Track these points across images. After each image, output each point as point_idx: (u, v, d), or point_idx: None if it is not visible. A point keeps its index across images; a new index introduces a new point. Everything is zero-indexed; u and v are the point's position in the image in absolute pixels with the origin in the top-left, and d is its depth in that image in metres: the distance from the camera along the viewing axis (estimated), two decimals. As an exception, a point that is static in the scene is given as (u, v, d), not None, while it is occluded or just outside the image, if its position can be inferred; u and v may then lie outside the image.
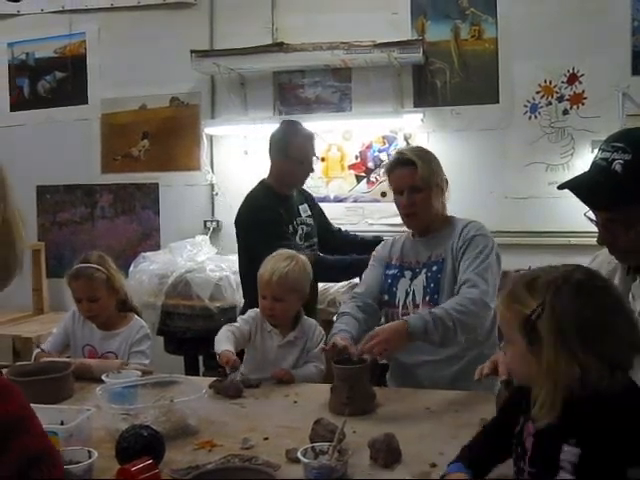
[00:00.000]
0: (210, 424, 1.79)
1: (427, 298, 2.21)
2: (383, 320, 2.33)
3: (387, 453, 1.48)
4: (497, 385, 1.72)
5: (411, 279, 2.27)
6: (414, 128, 3.90)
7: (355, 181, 4.10)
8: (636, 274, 1.59)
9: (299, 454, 1.44)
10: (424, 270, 2.26)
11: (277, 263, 2.30)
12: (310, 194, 3.37)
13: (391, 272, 2.33)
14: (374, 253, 2.47)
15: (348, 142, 4.08)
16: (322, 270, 2.80)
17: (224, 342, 2.20)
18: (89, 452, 1.49)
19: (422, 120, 3.80)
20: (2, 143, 4.70)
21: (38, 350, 2.56)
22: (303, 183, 3.18)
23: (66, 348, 2.68)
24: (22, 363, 2.29)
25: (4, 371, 2.14)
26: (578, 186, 1.54)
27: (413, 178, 2.23)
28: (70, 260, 4.49)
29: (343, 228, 3.47)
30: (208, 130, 4.20)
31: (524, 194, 3.67)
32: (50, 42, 4.61)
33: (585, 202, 1.51)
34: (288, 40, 3.95)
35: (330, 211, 4.10)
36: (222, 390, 2.05)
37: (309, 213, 3.17)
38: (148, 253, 3.98)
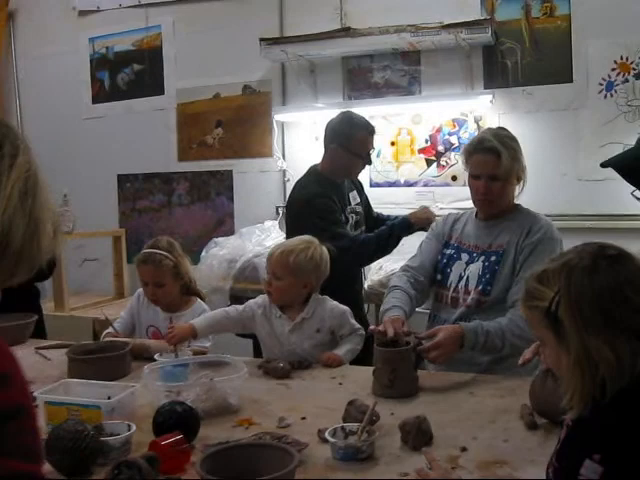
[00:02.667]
0: (253, 403, 1.82)
1: (480, 287, 2.15)
2: (432, 298, 2.30)
3: (417, 435, 1.46)
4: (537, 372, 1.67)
5: (467, 263, 2.22)
6: (484, 110, 3.81)
7: (425, 165, 4.05)
8: None
9: (327, 434, 1.45)
10: (482, 257, 2.20)
11: (290, 242, 2.31)
12: (359, 182, 3.33)
13: (448, 252, 2.29)
14: (432, 226, 2.44)
15: (418, 126, 4.03)
16: (359, 252, 2.81)
17: (200, 319, 2.30)
18: (128, 426, 1.55)
19: (491, 102, 3.70)
20: (85, 134, 4.93)
21: (108, 330, 2.66)
22: (357, 175, 3.15)
23: (134, 329, 2.79)
24: (85, 342, 2.38)
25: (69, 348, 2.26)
26: (620, 163, 1.47)
27: (494, 167, 2.15)
28: (149, 246, 4.70)
29: (378, 211, 3.45)
30: (278, 117, 4.24)
31: (599, 176, 3.52)
32: (128, 36, 4.76)
33: (625, 178, 1.44)
34: (357, 25, 3.93)
35: (400, 196, 4.09)
36: (270, 370, 2.08)
37: (358, 201, 3.15)
38: (220, 238, 4.06)
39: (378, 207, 3.70)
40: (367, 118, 4.00)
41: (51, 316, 4.17)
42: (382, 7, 3.94)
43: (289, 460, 1.24)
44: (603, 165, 1.51)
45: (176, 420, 1.52)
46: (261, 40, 4.01)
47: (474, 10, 3.77)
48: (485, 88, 3.82)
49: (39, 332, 2.94)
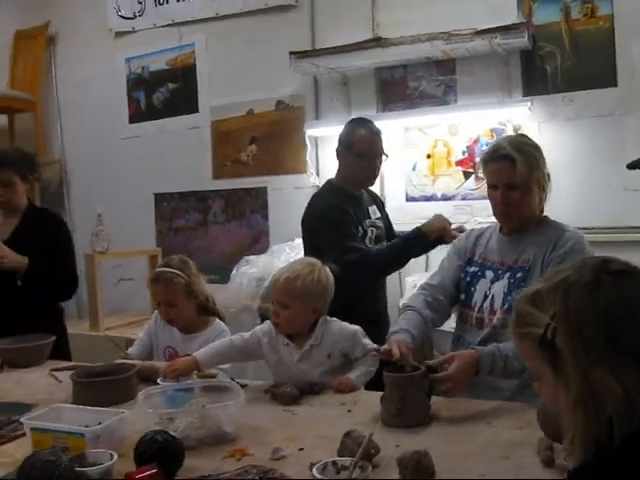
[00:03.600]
0: (252, 431, 1.71)
1: (506, 306, 1.99)
2: (457, 319, 2.15)
3: (415, 471, 1.32)
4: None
5: (492, 281, 2.07)
6: (523, 119, 3.63)
7: (463, 178, 3.89)
8: None
9: (315, 469, 1.32)
10: (507, 274, 2.04)
11: (293, 267, 2.16)
12: (379, 197, 3.23)
13: (471, 269, 2.14)
14: (455, 242, 2.29)
15: (454, 137, 3.88)
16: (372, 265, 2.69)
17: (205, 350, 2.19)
18: (111, 455, 1.45)
19: (530, 109, 3.52)
20: (123, 154, 4.95)
21: (122, 355, 2.60)
22: (371, 181, 3.00)
23: (152, 350, 2.72)
24: (93, 365, 2.31)
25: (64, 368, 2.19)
26: None
27: (510, 175, 2.01)
28: (186, 265, 4.65)
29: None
30: (311, 132, 4.15)
31: (647, 185, 3.31)
32: (162, 55, 4.76)
33: None
34: (390, 35, 3.82)
35: (437, 210, 3.92)
36: (277, 396, 1.96)
37: (378, 215, 3.02)
38: (251, 257, 3.99)
39: (415, 222, 3.55)
40: (402, 130, 3.95)
41: (87, 336, 4.18)
42: (414, 16, 3.82)
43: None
44: (630, 167, 1.36)
45: (156, 450, 1.41)
46: (291, 54, 3.94)
47: (510, 14, 3.61)
48: (524, 95, 3.65)
49: (62, 352, 2.90)
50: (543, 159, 2.06)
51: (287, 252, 3.75)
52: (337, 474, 1.33)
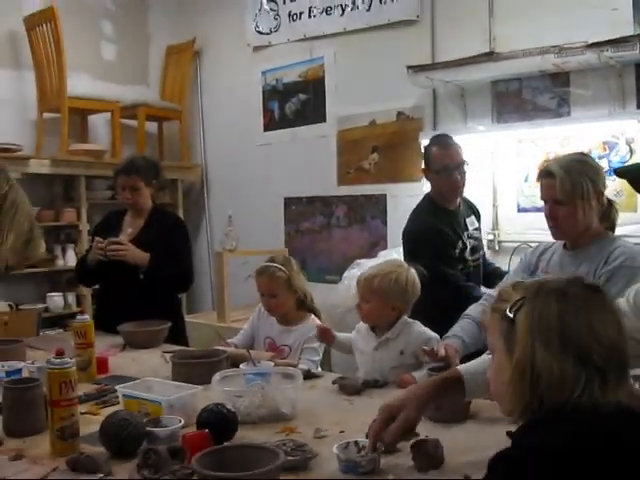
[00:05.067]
0: (309, 414, 1.93)
1: None
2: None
3: (424, 458, 1.48)
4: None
5: None
6: (636, 131, 3.58)
7: (576, 190, 3.87)
8: None
9: (335, 447, 1.52)
10: None
11: (377, 267, 2.37)
12: (476, 208, 3.31)
13: (534, 281, 2.24)
14: (522, 257, 2.39)
15: (566, 149, 3.87)
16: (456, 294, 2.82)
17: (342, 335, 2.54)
18: (180, 421, 1.72)
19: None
20: (257, 160, 5.33)
21: (222, 342, 2.90)
22: (455, 193, 3.12)
23: (253, 340, 3.01)
24: (193, 349, 2.63)
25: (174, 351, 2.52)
26: (630, 171, 1.42)
27: (553, 190, 2.13)
28: (310, 265, 4.96)
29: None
30: (425, 142, 4.28)
31: None
32: (295, 68, 5.09)
33: (635, 186, 1.39)
34: (506, 48, 3.89)
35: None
36: (342, 386, 2.17)
37: (476, 226, 3.14)
38: (362, 260, 4.19)
39: (525, 232, 3.66)
40: (516, 142, 4.00)
41: (214, 326, 4.57)
42: (531, 28, 3.86)
43: (274, 460, 1.34)
44: (617, 173, 1.45)
45: (212, 419, 1.67)
46: (408, 67, 4.11)
47: (626, 26, 3.57)
48: (638, 108, 3.60)
49: (178, 338, 3.25)
50: (592, 177, 2.12)
51: (395, 256, 3.92)
52: (357, 453, 1.52)
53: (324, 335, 2.57)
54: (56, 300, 4.95)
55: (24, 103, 5.01)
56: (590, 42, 3.48)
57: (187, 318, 4.03)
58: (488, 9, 4.07)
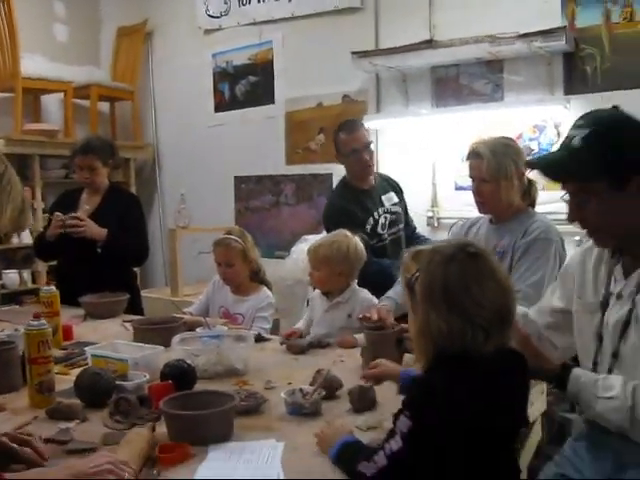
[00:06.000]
0: (258, 370, 2.16)
1: None
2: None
3: (359, 401, 1.73)
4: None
5: None
6: (563, 116, 3.88)
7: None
8: (620, 256, 1.64)
9: (283, 393, 1.76)
10: None
11: (322, 238, 2.64)
12: (397, 183, 3.58)
13: (462, 253, 2.50)
14: (451, 230, 2.65)
15: (500, 132, 4.14)
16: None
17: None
18: (145, 376, 1.93)
19: (566, 107, 3.77)
20: (209, 140, 5.49)
21: (179, 312, 3.10)
22: (366, 172, 3.36)
23: (208, 309, 3.22)
24: (152, 317, 2.83)
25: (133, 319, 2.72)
26: (538, 162, 1.66)
27: (480, 170, 2.39)
28: (259, 242, 5.15)
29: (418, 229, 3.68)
30: (368, 124, 4.51)
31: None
32: (244, 51, 5.25)
33: (544, 175, 1.61)
34: (445, 36, 4.14)
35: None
36: (289, 346, 2.41)
37: (395, 201, 3.39)
38: (310, 236, 4.41)
39: (462, 210, 3.91)
40: (453, 124, 4.27)
41: (167, 300, 4.75)
42: (468, 18, 4.10)
43: (229, 402, 1.57)
44: (528, 165, 1.69)
45: (174, 372, 1.89)
46: (352, 53, 4.33)
47: (555, 17, 3.85)
48: (565, 94, 3.89)
49: (135, 309, 3.45)
50: (517, 157, 2.38)
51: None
52: (302, 398, 1.76)
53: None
54: (12, 277, 5.06)
55: (-24, 83, 5.06)
56: (521, 33, 3.75)
57: (142, 293, 4.20)
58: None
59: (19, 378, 1.98)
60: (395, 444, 1.28)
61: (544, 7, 3.91)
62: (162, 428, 1.59)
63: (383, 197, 3.38)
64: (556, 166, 1.60)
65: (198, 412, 1.53)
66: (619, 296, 1.57)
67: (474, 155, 2.42)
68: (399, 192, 3.53)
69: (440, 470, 1.29)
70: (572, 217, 1.61)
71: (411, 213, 3.76)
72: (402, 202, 3.50)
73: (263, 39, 5.15)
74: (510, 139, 2.53)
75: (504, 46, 3.82)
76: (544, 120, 4.00)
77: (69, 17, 5.62)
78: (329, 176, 4.94)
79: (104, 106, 5.71)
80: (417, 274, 1.36)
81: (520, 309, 2.13)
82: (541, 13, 3.89)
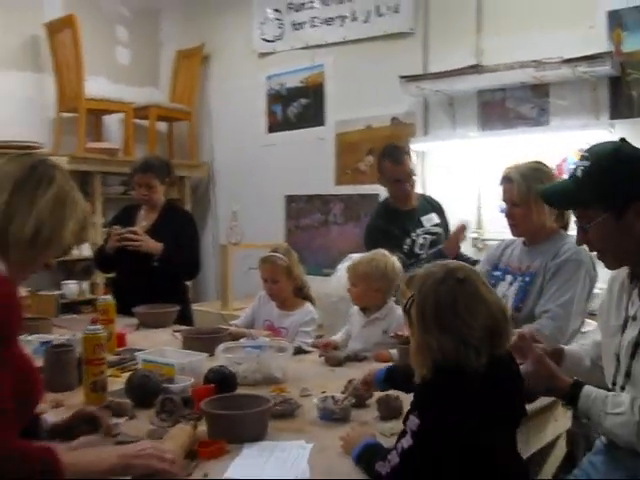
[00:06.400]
0: (297, 379, 2.29)
1: (514, 305, 2.43)
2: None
3: (386, 409, 1.84)
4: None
5: (510, 284, 2.51)
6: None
7: (553, 193, 4.21)
8: (637, 281, 1.72)
9: (315, 399, 1.88)
10: (519, 278, 2.48)
11: (361, 256, 2.74)
12: (438, 204, 3.69)
13: (496, 273, 2.59)
14: (488, 251, 2.74)
15: (545, 156, 4.20)
16: None
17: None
18: (190, 380, 2.08)
19: (611, 132, 3.81)
20: (261, 160, 5.68)
21: (225, 324, 3.26)
22: (404, 200, 3.51)
23: (254, 322, 3.37)
24: (201, 327, 2.99)
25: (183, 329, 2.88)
26: (545, 191, 1.76)
27: (511, 194, 2.48)
28: (309, 259, 5.31)
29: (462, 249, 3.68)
30: (415, 147, 4.63)
31: None
32: (297, 74, 5.44)
33: (548, 203, 1.73)
34: (492, 60, 4.23)
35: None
36: (326, 359, 2.53)
37: (435, 222, 3.49)
38: (355, 254, 4.52)
39: (504, 231, 3.95)
40: (498, 147, 4.34)
41: (218, 314, 4.93)
42: (515, 43, 4.17)
43: (264, 405, 1.70)
44: (540, 194, 1.80)
45: (216, 377, 2.03)
46: (401, 77, 4.46)
47: (601, 43, 3.90)
48: (611, 119, 3.93)
49: (185, 319, 3.62)
50: (547, 180, 2.44)
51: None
52: (333, 404, 1.87)
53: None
54: (71, 287, 5.31)
55: (44, 104, 5.38)
56: (565, 58, 3.82)
57: (194, 306, 4.38)
58: (476, 24, 4.41)
59: (75, 378, 2.15)
60: (406, 442, 1.41)
61: (590, 32, 3.96)
62: (202, 427, 1.73)
63: (423, 218, 3.49)
64: (559, 195, 1.72)
65: (235, 412, 1.67)
66: (634, 318, 1.65)
67: (506, 180, 2.52)
68: (440, 213, 3.63)
69: (449, 465, 1.40)
70: (578, 240, 1.73)
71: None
72: (443, 223, 3.60)
73: (315, 63, 5.32)
74: (541, 163, 2.60)
75: (549, 71, 3.89)
76: (589, 144, 4.02)
77: (131, 41, 5.92)
78: (376, 196, 5.03)
79: (162, 126, 5.97)
80: (411, 300, 1.49)
81: (544, 327, 2.23)
82: (587, 38, 3.95)
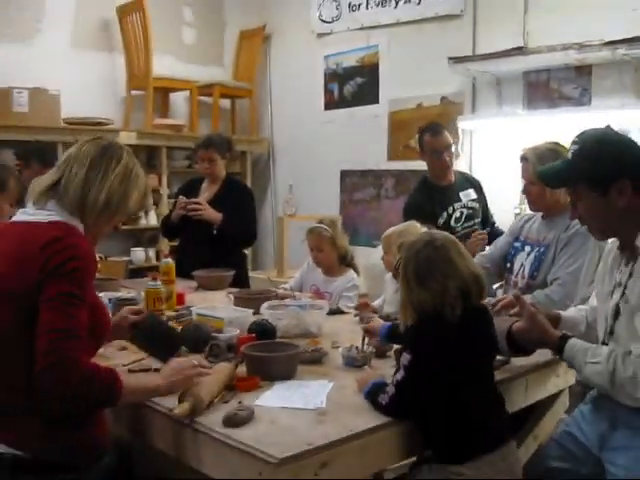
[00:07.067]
0: (330, 334, 2.58)
1: (530, 273, 2.67)
2: (503, 282, 2.84)
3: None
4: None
5: (527, 254, 2.74)
6: (648, 121, 4.04)
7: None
8: (623, 251, 1.94)
9: (341, 348, 2.17)
10: (536, 249, 2.71)
11: (397, 226, 2.97)
12: (477, 181, 3.90)
13: (516, 244, 2.82)
14: (511, 224, 2.96)
15: (587, 135, 4.35)
16: None
17: None
18: (236, 331, 2.40)
19: (647, 112, 3.94)
20: (318, 136, 5.95)
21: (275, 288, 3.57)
22: (444, 172, 3.73)
23: (302, 286, 3.68)
24: (251, 289, 3.33)
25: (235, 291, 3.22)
26: (540, 172, 2.00)
27: (527, 173, 2.70)
28: (361, 231, 5.58)
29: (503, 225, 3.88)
30: (462, 125, 4.83)
31: None
32: (353, 54, 5.68)
33: (544, 183, 1.96)
34: (537, 42, 4.39)
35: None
36: (361, 318, 2.80)
37: (473, 197, 3.69)
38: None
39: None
40: (542, 126, 4.50)
41: (274, 281, 5.26)
42: (560, 25, 4.29)
43: (294, 351, 2.01)
44: (538, 176, 2.03)
45: (258, 329, 2.35)
46: (449, 59, 4.65)
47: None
48: (651, 99, 4.05)
49: (241, 283, 3.94)
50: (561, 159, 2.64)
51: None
52: (356, 353, 2.16)
53: None
54: (139, 254, 5.74)
55: (115, 82, 5.79)
56: (606, 40, 3.95)
57: (251, 274, 4.73)
58: (523, 6, 4.55)
59: (138, 327, 2.50)
60: (399, 375, 1.72)
61: (633, 15, 4.07)
62: (242, 368, 2.05)
63: (461, 193, 3.71)
64: (552, 175, 1.95)
65: (267, 354, 1.98)
66: (620, 284, 1.88)
67: (523, 159, 2.73)
68: (478, 189, 3.84)
69: (437, 392, 1.71)
70: (571, 215, 1.97)
71: (500, 209, 4.06)
72: (480, 198, 3.81)
73: (370, 43, 5.55)
74: (558, 144, 2.78)
75: (590, 53, 4.02)
76: (629, 124, 4.16)
77: (196, 21, 6.27)
78: (425, 172, 5.27)
79: (225, 103, 6.31)
80: (399, 262, 1.81)
81: (554, 293, 2.46)
82: (630, 20, 4.06)
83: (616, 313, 1.85)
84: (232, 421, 1.62)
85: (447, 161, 3.67)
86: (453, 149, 3.74)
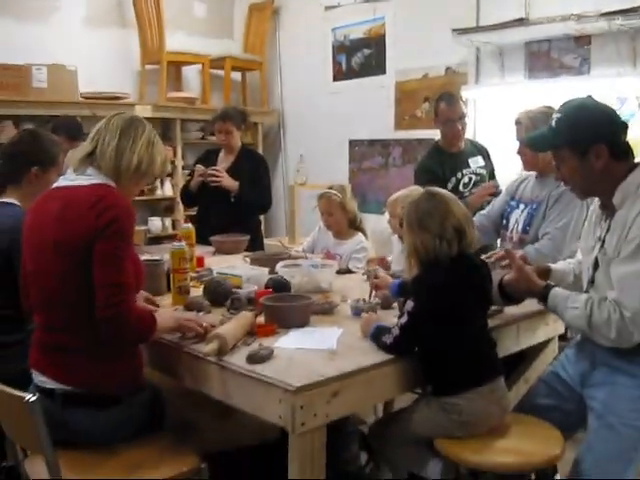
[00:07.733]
0: (340, 290, 2.80)
1: (523, 228, 2.88)
2: (499, 239, 3.05)
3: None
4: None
5: (522, 211, 2.95)
6: (644, 89, 4.21)
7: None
8: (604, 209, 2.14)
9: (349, 300, 2.40)
10: (529, 206, 2.91)
11: (402, 191, 3.17)
12: (485, 149, 4.08)
13: (512, 203, 3.04)
14: (507, 184, 3.17)
15: (586, 102, 4.52)
16: None
17: None
18: (254, 287, 2.63)
19: (643, 80, 4.10)
20: (327, 107, 6.13)
21: (286, 250, 3.80)
22: (455, 140, 3.92)
23: (314, 249, 3.91)
24: (267, 252, 3.58)
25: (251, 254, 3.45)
26: (526, 138, 2.20)
27: (520, 134, 2.89)
28: (370, 198, 5.78)
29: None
30: (466, 94, 4.98)
31: None
32: (360, 26, 5.84)
33: (530, 148, 2.16)
34: (539, 13, 4.54)
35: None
36: (368, 276, 3.01)
37: (481, 164, 3.90)
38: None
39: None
40: (543, 94, 4.67)
41: (287, 247, 5.48)
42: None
43: (307, 301, 2.24)
44: (525, 143, 2.23)
45: (274, 284, 2.57)
46: (453, 30, 4.81)
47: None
48: (648, 68, 4.21)
49: (256, 248, 4.16)
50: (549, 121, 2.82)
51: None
52: (363, 304, 2.39)
53: None
54: (156, 223, 5.97)
55: (129, 57, 5.98)
56: (603, 11, 4.10)
57: (265, 241, 4.95)
58: (525, -24, 4.70)
59: (164, 287, 2.74)
60: (404, 319, 1.94)
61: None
62: (261, 319, 2.28)
63: (470, 160, 3.92)
64: (538, 140, 2.16)
65: (284, 304, 2.21)
66: (599, 238, 2.09)
67: (517, 122, 2.92)
68: (486, 156, 4.04)
69: (437, 333, 1.95)
70: (556, 177, 2.18)
71: (504, 175, 4.24)
72: (488, 165, 4.01)
73: (377, 15, 5.70)
74: (551, 107, 2.95)
75: (588, 24, 4.18)
76: (626, 92, 4.32)
77: (207, -5, 6.42)
78: (431, 141, 5.41)
79: (236, 76, 6.49)
80: (402, 213, 2.05)
81: (544, 247, 2.67)
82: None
83: (596, 264, 2.06)
84: (254, 358, 1.86)
85: (459, 130, 3.88)
86: (465, 120, 3.92)
